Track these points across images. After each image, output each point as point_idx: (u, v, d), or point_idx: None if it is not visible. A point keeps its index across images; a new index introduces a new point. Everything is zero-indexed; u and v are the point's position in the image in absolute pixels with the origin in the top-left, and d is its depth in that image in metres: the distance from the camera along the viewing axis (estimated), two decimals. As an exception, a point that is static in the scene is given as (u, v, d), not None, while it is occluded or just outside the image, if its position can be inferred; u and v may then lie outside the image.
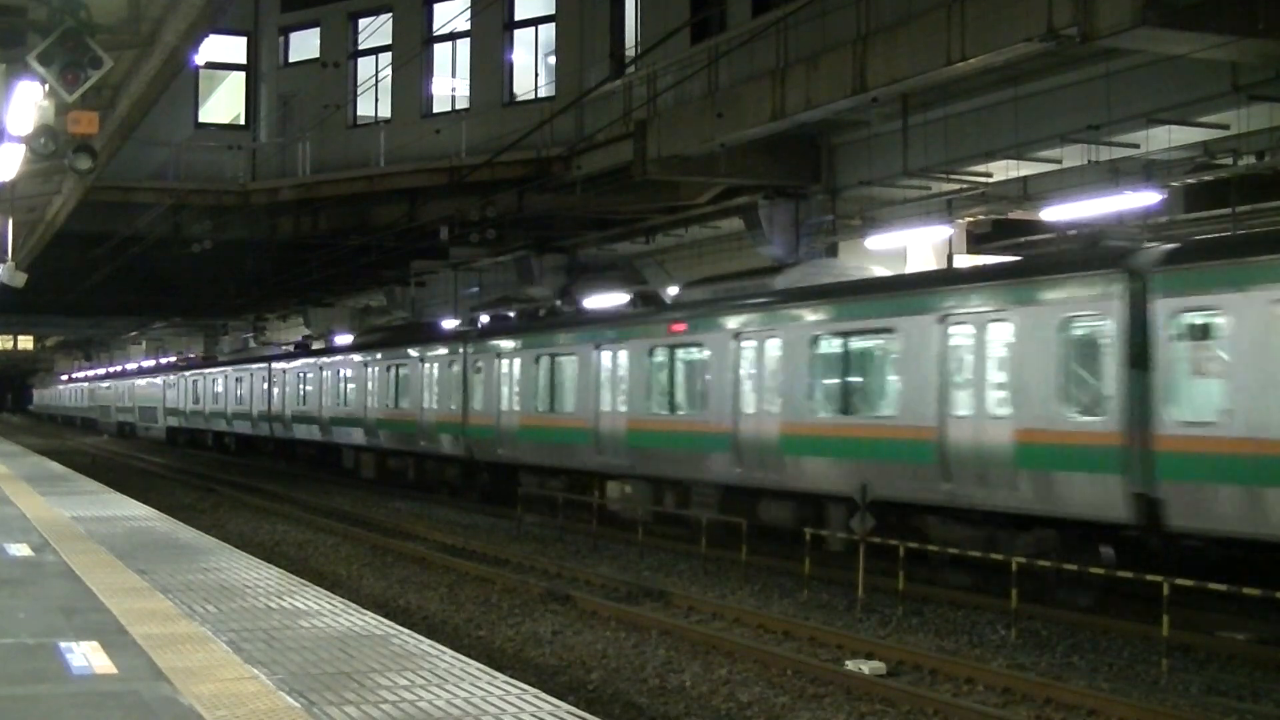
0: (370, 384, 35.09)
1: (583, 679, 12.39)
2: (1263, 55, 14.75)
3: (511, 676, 7.84)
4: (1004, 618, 14.33)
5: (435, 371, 30.91)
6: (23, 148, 14.33)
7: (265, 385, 45.57)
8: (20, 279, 25.81)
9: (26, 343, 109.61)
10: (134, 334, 77.62)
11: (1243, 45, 14.21)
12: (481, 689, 7.29)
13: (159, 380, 65.08)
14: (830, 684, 11.95)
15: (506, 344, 27.37)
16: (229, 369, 51.75)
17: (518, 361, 26.79)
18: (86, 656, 7.94)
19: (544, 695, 7.19)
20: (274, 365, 45.44)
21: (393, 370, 33.56)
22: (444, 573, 19.07)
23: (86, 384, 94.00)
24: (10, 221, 25.33)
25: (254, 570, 12.07)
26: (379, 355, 34.84)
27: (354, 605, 10.24)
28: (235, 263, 37.94)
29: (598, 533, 22.06)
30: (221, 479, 38.23)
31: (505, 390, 27.25)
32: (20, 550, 12.97)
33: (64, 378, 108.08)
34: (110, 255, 34.49)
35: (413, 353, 32.42)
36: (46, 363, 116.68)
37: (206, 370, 55.52)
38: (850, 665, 12.50)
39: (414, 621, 14.69)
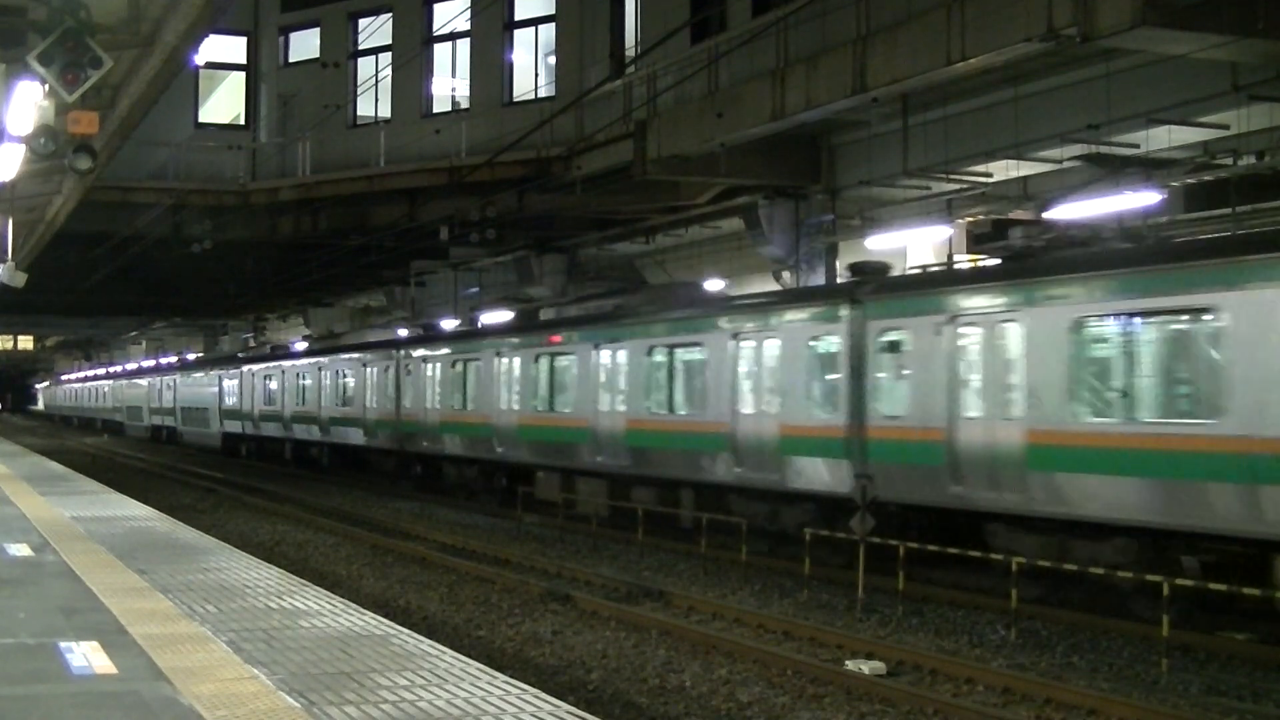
0: (608, 376, 23.54)
1: (583, 679, 12.39)
2: (1263, 55, 14.78)
3: (511, 676, 7.84)
4: (1004, 618, 14.32)
5: (789, 350, 19.09)
6: (23, 148, 14.32)
7: (393, 380, 33.44)
8: (20, 279, 25.81)
9: (26, 343, 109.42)
10: (134, 334, 77.49)
11: (1243, 45, 14.23)
12: (481, 689, 7.30)
13: (213, 374, 52.05)
14: (830, 684, 11.95)
15: (982, 301, 15.95)
16: (324, 359, 39.32)
17: (1018, 329, 15.38)
18: (86, 656, 7.94)
19: (544, 695, 7.19)
20: (406, 353, 32.91)
21: (659, 355, 22.24)
22: (444, 573, 19.06)
23: (109, 381, 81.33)
24: (10, 221, 25.34)
25: (254, 570, 12.07)
26: (627, 331, 23.19)
27: (354, 605, 10.24)
28: (235, 263, 37.98)
29: (597, 533, 22.04)
30: (221, 479, 38.22)
31: (985, 384, 15.86)
32: (20, 550, 12.97)
33: (80, 375, 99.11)
34: (110, 255, 34.52)
35: (719, 326, 20.61)
36: (48, 361, 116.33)
37: (287, 361, 42.98)
38: (850, 665, 12.50)
39: (414, 621, 14.68)
